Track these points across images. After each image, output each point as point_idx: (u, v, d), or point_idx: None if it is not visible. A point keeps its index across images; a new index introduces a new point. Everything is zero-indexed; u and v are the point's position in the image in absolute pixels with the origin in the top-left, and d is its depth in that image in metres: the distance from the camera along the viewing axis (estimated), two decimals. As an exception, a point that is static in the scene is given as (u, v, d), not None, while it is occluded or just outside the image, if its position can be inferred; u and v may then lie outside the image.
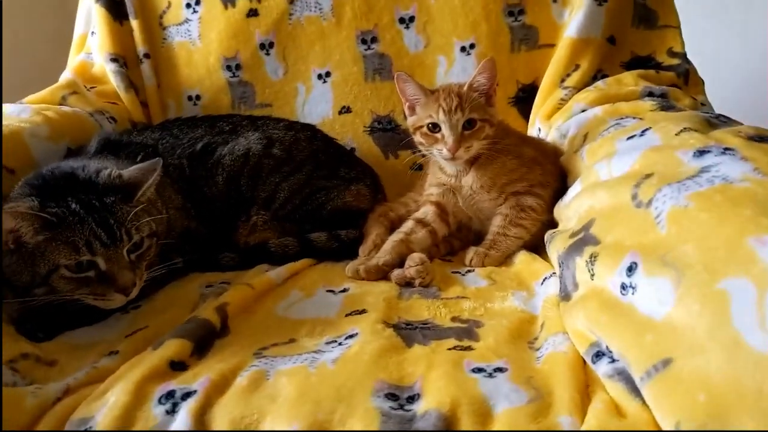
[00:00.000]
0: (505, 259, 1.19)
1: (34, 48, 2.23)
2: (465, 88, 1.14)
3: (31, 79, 2.01)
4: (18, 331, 0.89)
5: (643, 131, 1.02)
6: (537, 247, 1.19)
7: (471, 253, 1.18)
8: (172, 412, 0.69)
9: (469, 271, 1.15)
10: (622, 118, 1.20)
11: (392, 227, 1.27)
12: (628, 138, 1.03)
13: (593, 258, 0.84)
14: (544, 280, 1.04)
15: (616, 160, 0.99)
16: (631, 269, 0.75)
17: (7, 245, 0.90)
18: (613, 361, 0.72)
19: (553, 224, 1.19)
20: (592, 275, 0.84)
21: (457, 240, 1.28)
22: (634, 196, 0.84)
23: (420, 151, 1.21)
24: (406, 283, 1.08)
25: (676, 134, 0.94)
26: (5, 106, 1.32)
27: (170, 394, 0.71)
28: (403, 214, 1.30)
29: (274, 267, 1.13)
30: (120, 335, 0.91)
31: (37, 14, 2.26)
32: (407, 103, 1.20)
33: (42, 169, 1.00)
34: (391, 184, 1.49)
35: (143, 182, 0.97)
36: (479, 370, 0.75)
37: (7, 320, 0.91)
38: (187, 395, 0.71)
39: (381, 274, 1.11)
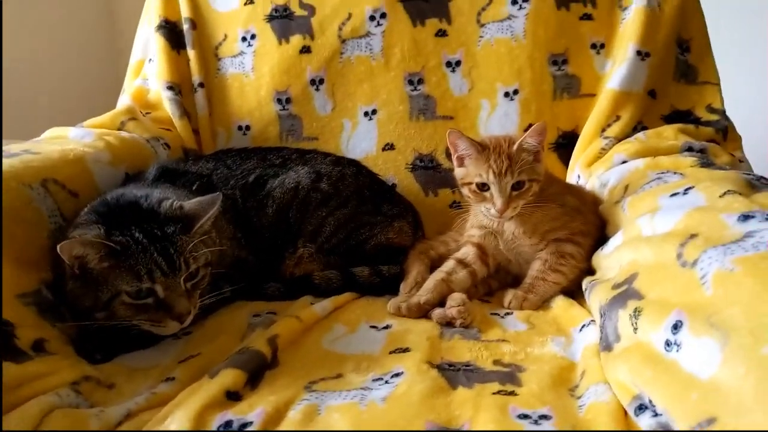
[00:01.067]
0: (542, 303, 1.20)
1: (82, 70, 2.33)
2: (515, 148, 1.16)
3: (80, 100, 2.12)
4: (77, 351, 0.93)
5: (686, 190, 1.04)
6: (573, 293, 1.21)
7: (510, 295, 1.20)
8: (230, 441, 0.72)
9: (507, 313, 1.17)
10: (663, 173, 1.22)
11: (432, 265, 1.30)
12: (672, 195, 1.06)
13: (637, 312, 0.86)
14: (582, 327, 1.06)
15: (660, 217, 1.01)
16: (676, 327, 0.77)
17: (73, 270, 0.95)
18: (656, 415, 0.74)
19: (590, 272, 1.21)
20: (635, 329, 0.86)
21: (495, 281, 1.30)
22: (679, 255, 0.87)
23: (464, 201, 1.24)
24: (447, 323, 1.10)
25: (720, 196, 0.96)
26: (69, 129, 1.39)
27: (228, 424, 0.74)
28: (443, 252, 1.33)
29: (317, 299, 1.17)
30: (174, 361, 0.95)
31: (84, 33, 2.37)
32: (456, 155, 1.22)
33: (107, 196, 1.05)
34: (430, 221, 1.52)
35: (202, 215, 1.01)
36: (525, 416, 0.77)
37: (67, 341, 0.95)
38: (244, 426, 0.74)
39: (422, 312, 1.14)
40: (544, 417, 0.77)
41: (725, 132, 1.50)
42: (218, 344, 0.98)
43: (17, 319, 0.88)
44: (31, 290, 0.95)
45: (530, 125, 1.54)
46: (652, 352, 0.79)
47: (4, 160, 1.07)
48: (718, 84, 1.54)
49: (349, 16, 1.63)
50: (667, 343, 0.78)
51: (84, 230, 0.96)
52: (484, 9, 1.59)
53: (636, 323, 0.86)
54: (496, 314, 1.17)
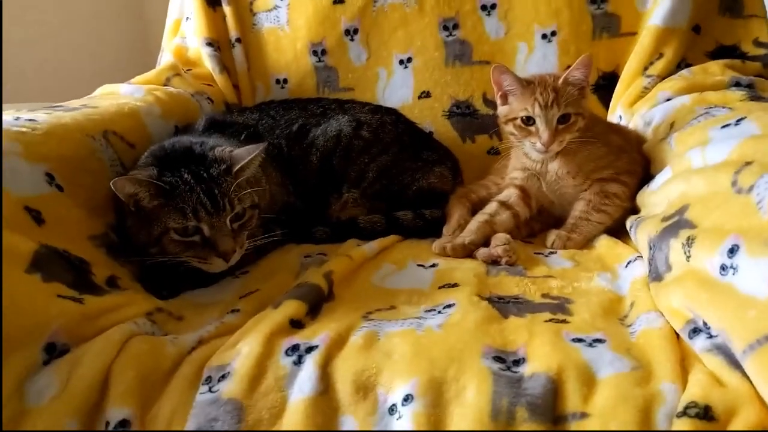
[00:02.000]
0: (586, 243, 1.21)
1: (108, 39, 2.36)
2: (561, 82, 1.16)
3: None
4: (146, 289, 0.99)
5: (738, 120, 1.03)
6: (617, 232, 1.21)
7: (553, 236, 1.21)
8: (298, 363, 0.76)
9: (551, 252, 1.18)
10: (710, 107, 1.21)
11: (473, 209, 1.31)
12: (723, 126, 1.05)
13: (690, 240, 0.87)
14: (628, 264, 1.06)
15: (711, 148, 1.01)
16: (732, 251, 0.77)
17: (129, 208, 1.00)
18: (711, 336, 0.75)
19: (633, 211, 1.22)
20: (688, 257, 0.86)
21: (538, 223, 1.31)
22: (734, 183, 0.86)
23: (506, 140, 1.24)
24: (493, 262, 1.12)
25: (776, 124, 0.96)
26: (120, 86, 1.43)
27: (295, 348, 0.78)
28: (483, 196, 1.35)
29: (363, 241, 1.19)
30: (234, 296, 0.99)
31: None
32: (500, 93, 1.23)
33: (164, 143, 1.10)
34: (468, 168, 1.53)
35: (247, 159, 1.04)
36: (579, 340, 0.79)
37: (134, 279, 1.00)
38: (310, 349, 0.78)
39: (467, 252, 1.16)
40: (598, 341, 0.79)
41: (774, 66, 1.47)
42: (275, 281, 1.02)
43: (91, 258, 0.93)
44: (100, 233, 1.00)
45: (569, 67, 1.53)
46: (707, 278, 0.80)
47: (68, 114, 1.12)
48: (765, 17, 1.49)
49: (382, -38, 1.61)
50: (723, 268, 0.78)
51: (139, 171, 1.01)
52: (519, -52, 1.56)
53: (689, 251, 0.86)
54: (539, 253, 1.18)
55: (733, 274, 0.76)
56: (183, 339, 0.82)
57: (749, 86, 1.34)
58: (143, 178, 0.98)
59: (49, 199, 0.95)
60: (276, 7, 1.68)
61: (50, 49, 2.14)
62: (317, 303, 0.92)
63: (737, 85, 1.34)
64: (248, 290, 1.00)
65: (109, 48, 2.35)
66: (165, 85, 1.50)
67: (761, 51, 1.47)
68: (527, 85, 1.19)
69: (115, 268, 0.97)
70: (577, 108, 1.17)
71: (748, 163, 0.88)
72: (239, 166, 1.03)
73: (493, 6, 1.58)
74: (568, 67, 1.21)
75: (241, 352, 0.77)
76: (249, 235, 1.06)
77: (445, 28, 1.60)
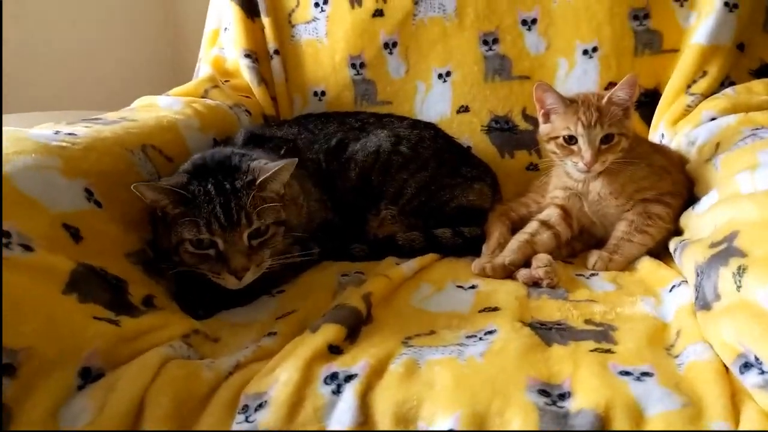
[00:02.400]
0: (628, 265, 1.18)
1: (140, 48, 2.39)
2: (605, 101, 1.14)
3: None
4: (182, 309, 0.98)
5: (791, 144, 1.00)
6: (659, 254, 1.19)
7: (594, 256, 1.19)
8: (337, 392, 0.75)
9: (592, 274, 1.16)
10: (758, 128, 1.17)
11: (513, 227, 1.30)
12: (773, 150, 1.02)
13: (742, 270, 0.84)
14: (672, 288, 1.04)
15: (762, 172, 0.98)
16: (788, 284, 0.75)
17: (157, 212, 1.01)
18: (763, 372, 0.72)
19: (676, 233, 1.19)
20: (739, 287, 0.83)
21: (579, 243, 1.29)
22: (788, 212, 0.84)
23: (547, 158, 1.22)
24: (534, 284, 1.10)
25: (828, 151, 0.92)
26: (158, 98, 1.44)
27: (334, 376, 0.77)
28: (524, 214, 1.33)
29: (401, 259, 1.18)
30: (271, 317, 0.99)
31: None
32: (542, 111, 1.22)
33: (207, 152, 1.10)
34: (506, 183, 1.51)
35: (274, 173, 1.01)
36: (626, 373, 0.77)
37: (170, 298, 1.00)
38: (349, 378, 0.76)
39: (507, 272, 1.14)
40: (646, 374, 0.76)
41: (818, 86, 1.42)
42: (312, 301, 1.01)
43: (128, 276, 0.93)
44: (136, 249, 1.01)
45: (611, 83, 1.51)
46: (760, 310, 0.77)
47: (107, 127, 1.13)
48: (812, 35, 1.45)
49: (422, -24, 1.60)
50: (777, 300, 0.76)
51: (168, 178, 1.02)
52: (561, -36, 1.54)
53: (740, 281, 0.83)
54: (581, 275, 1.16)
55: (788, 308, 0.74)
56: (220, 363, 0.81)
57: (795, 106, 1.31)
58: (165, 185, 0.98)
59: (88, 215, 0.95)
60: (315, 19, 1.69)
61: (87, 58, 2.17)
62: (356, 326, 0.91)
63: (783, 105, 1.31)
64: (285, 311, 0.99)
65: (144, 57, 2.38)
66: (203, 97, 1.51)
67: (807, 70, 1.43)
68: (570, 103, 1.17)
69: (152, 286, 0.97)
70: (621, 128, 1.15)
71: (803, 192, 0.85)
72: (263, 178, 1.00)
73: (534, 21, 1.56)
74: (610, 84, 1.19)
75: (279, 380, 0.76)
76: (282, 252, 1.05)
77: (485, 42, 1.59)
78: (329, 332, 0.85)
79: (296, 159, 1.06)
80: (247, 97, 1.63)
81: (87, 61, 2.16)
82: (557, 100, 1.18)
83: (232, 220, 0.97)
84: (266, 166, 1.03)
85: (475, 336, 0.89)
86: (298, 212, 1.13)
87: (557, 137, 1.18)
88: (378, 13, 1.63)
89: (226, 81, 1.66)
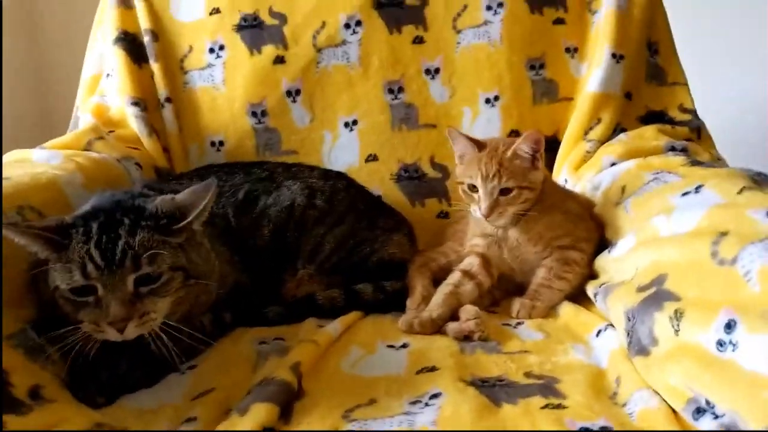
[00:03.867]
0: (549, 311, 1.18)
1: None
2: (509, 153, 1.15)
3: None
4: (77, 398, 0.83)
5: (697, 188, 1.04)
6: (575, 298, 1.20)
7: (518, 304, 1.18)
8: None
9: (519, 323, 1.14)
10: (657, 173, 1.23)
11: (434, 278, 1.26)
12: (683, 194, 1.06)
13: (679, 314, 0.84)
14: (599, 332, 1.04)
15: (678, 216, 1.01)
16: (729, 326, 0.76)
17: (37, 257, 0.87)
18: (717, 417, 0.72)
19: (591, 277, 1.20)
20: (677, 330, 0.84)
21: (498, 291, 1.27)
22: (714, 254, 0.85)
23: (459, 202, 1.23)
24: (465, 337, 1.06)
25: (738, 192, 0.97)
26: (31, 152, 1.26)
27: (276, 466, 0.67)
28: (444, 264, 1.29)
29: (322, 320, 1.10)
30: (185, 398, 0.86)
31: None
32: (457, 153, 1.21)
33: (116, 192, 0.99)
34: (419, 232, 1.47)
35: (196, 205, 0.91)
36: (586, 429, 0.74)
37: (61, 385, 0.84)
38: (292, 467, 0.67)
39: (435, 327, 1.09)
40: (605, 429, 0.74)
41: (699, 131, 1.55)
42: (231, 376, 0.89)
43: (8, 364, 0.77)
44: (16, 330, 0.84)
45: (512, 131, 1.55)
46: (704, 354, 0.78)
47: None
48: (687, 84, 1.58)
49: (323, 24, 1.57)
50: (720, 343, 0.76)
51: (50, 219, 0.90)
52: (459, 15, 1.58)
53: (678, 325, 0.84)
54: (507, 324, 1.13)
55: (733, 350, 0.74)
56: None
57: (683, 150, 1.40)
58: (23, 229, 0.85)
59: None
60: (210, 66, 1.59)
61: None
62: (287, 403, 0.80)
63: (673, 149, 1.40)
64: (201, 390, 0.86)
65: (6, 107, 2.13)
66: (86, 150, 1.35)
67: (686, 116, 1.56)
68: (480, 149, 1.17)
69: (38, 374, 0.80)
70: (521, 181, 1.15)
71: (723, 234, 0.88)
72: (194, 213, 0.90)
73: (437, 70, 1.57)
74: (512, 132, 1.21)
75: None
76: (192, 323, 0.93)
77: (390, 90, 1.57)
78: (261, 414, 0.75)
79: (214, 179, 0.95)
80: (135, 148, 1.48)
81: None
82: (467, 145, 1.19)
83: (112, 261, 0.84)
84: (186, 199, 0.92)
85: (420, 402, 0.82)
86: (208, 271, 0.99)
87: (463, 183, 1.18)
88: (279, 60, 1.57)
89: (110, 131, 1.49)
